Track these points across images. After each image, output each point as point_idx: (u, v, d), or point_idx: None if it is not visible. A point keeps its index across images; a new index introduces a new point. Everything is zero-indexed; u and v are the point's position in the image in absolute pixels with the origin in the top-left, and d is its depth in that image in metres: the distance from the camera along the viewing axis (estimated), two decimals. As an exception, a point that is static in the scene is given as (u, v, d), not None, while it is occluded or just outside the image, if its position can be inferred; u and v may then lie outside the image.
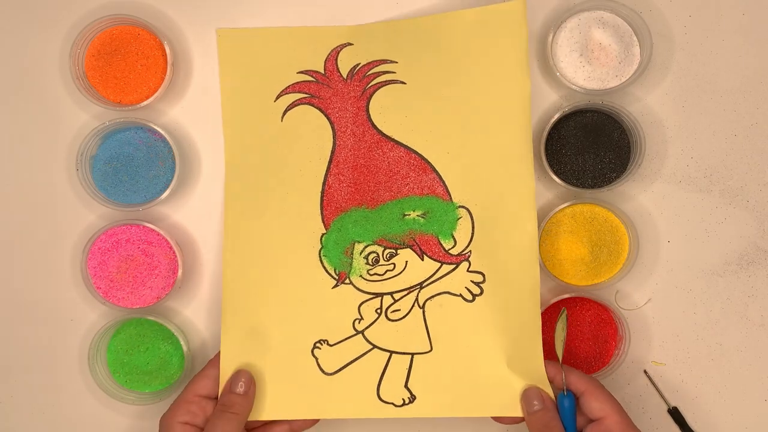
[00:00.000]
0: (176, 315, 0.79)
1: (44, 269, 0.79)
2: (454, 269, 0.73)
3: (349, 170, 0.74)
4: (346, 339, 0.73)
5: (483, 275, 0.73)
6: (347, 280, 0.74)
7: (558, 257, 0.76)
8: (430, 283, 0.74)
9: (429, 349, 0.73)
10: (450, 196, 0.74)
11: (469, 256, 0.73)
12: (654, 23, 0.77)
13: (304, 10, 0.78)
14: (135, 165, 0.77)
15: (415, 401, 0.72)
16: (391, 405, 0.73)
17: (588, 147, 0.76)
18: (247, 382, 0.71)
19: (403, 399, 0.73)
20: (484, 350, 0.72)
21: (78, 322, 0.79)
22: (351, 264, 0.74)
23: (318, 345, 0.73)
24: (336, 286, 0.74)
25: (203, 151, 0.78)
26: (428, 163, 0.74)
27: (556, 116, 0.75)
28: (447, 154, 0.74)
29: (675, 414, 0.78)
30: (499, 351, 0.72)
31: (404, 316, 0.73)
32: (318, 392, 0.73)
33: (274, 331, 0.73)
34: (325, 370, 0.73)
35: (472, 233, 0.73)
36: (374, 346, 0.73)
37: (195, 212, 0.79)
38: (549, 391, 0.71)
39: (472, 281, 0.73)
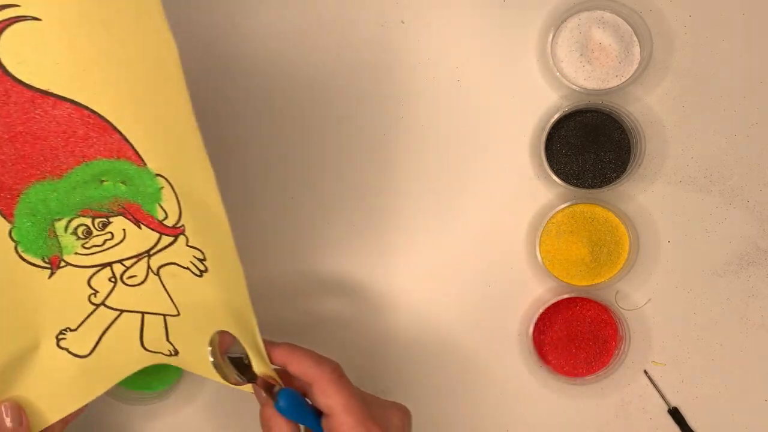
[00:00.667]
0: (176, 315, 0.79)
1: (44, 269, 0.79)
2: (174, 242, 0.63)
3: (8, 143, 0.58)
4: (88, 317, 0.65)
5: (202, 252, 0.63)
6: (62, 263, 0.63)
7: (558, 257, 0.76)
8: (157, 252, 0.64)
9: (177, 313, 0.66)
10: (143, 161, 0.60)
11: (184, 230, 0.63)
12: (654, 23, 0.77)
13: (304, 8, 0.78)
14: (135, 165, 0.77)
15: (179, 354, 0.67)
16: (160, 354, 0.67)
17: (588, 147, 0.76)
18: (13, 412, 0.63)
19: (168, 350, 0.67)
20: (219, 326, 0.65)
21: (78, 322, 0.79)
22: (59, 245, 0.63)
23: (61, 336, 0.65)
24: (52, 274, 0.63)
25: (203, 151, 0.78)
26: (107, 122, 0.59)
27: (556, 116, 0.75)
28: (122, 111, 0.59)
29: (675, 414, 0.78)
30: (232, 328, 0.64)
31: (142, 282, 0.65)
32: (83, 375, 0.66)
33: (8, 348, 0.63)
34: (81, 354, 0.65)
35: (179, 206, 0.62)
36: (122, 311, 0.65)
37: (195, 212, 0.79)
38: (274, 376, 0.64)
39: (195, 257, 0.64)
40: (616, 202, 0.78)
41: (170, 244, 0.64)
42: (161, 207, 0.62)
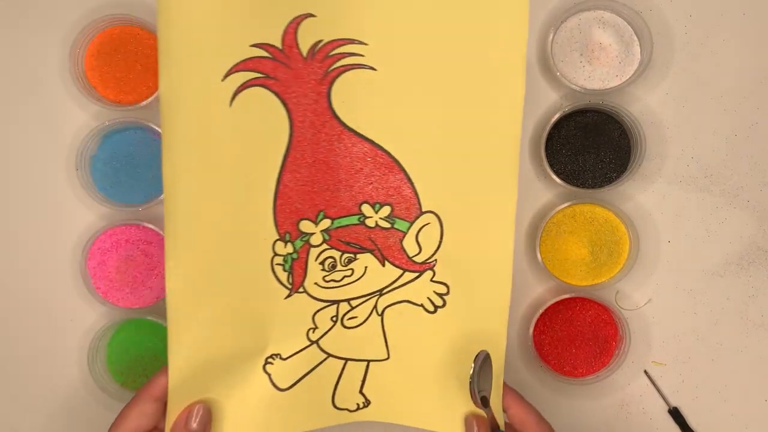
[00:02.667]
0: (176, 315, 0.79)
1: (44, 269, 0.79)
2: (416, 278, 0.68)
3: (307, 167, 0.65)
4: (300, 351, 0.68)
5: (447, 287, 0.68)
6: (301, 289, 0.67)
7: (558, 257, 0.76)
8: (391, 291, 0.68)
9: (386, 356, 0.69)
10: (418, 198, 0.67)
11: (434, 265, 0.67)
12: (654, 23, 0.77)
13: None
14: (135, 165, 0.77)
15: (370, 406, 0.69)
16: (346, 411, 0.69)
17: (588, 147, 0.76)
18: (203, 416, 0.65)
19: (357, 404, 0.69)
20: (438, 365, 0.68)
21: (78, 322, 0.79)
22: (306, 270, 0.67)
23: (270, 360, 0.67)
24: (289, 296, 0.67)
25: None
26: (396, 161, 0.66)
27: (556, 116, 0.75)
28: (419, 153, 0.66)
29: (675, 414, 0.78)
30: (453, 368, 0.68)
31: (361, 323, 0.68)
32: (272, 410, 0.68)
33: (224, 348, 0.66)
34: (279, 386, 0.68)
35: (440, 241, 0.67)
36: (329, 355, 0.69)
37: (195, 212, 0.79)
38: (501, 419, 0.66)
39: (435, 292, 0.68)
40: (616, 202, 0.78)
41: (411, 280, 0.68)
42: (418, 243, 0.67)
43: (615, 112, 0.76)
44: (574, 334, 0.77)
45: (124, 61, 0.77)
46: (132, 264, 0.77)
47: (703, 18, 0.77)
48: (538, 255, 0.76)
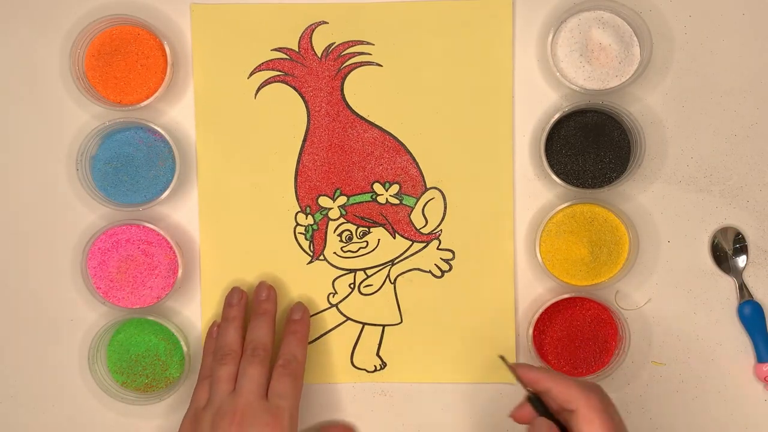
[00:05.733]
0: (176, 315, 0.79)
1: (44, 269, 0.79)
2: (424, 247, 0.78)
3: (324, 150, 0.77)
4: (321, 311, 0.78)
5: (453, 252, 0.78)
6: (321, 257, 0.78)
7: (558, 257, 0.76)
8: (401, 260, 0.78)
9: (399, 321, 0.78)
10: (423, 176, 0.77)
11: (439, 235, 0.77)
12: (654, 23, 0.77)
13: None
14: (135, 165, 0.77)
15: (386, 368, 0.78)
16: (364, 371, 0.78)
17: (588, 147, 0.76)
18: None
19: (374, 366, 0.78)
20: (450, 323, 0.78)
21: (78, 322, 0.79)
22: (326, 241, 0.77)
23: None
24: (311, 262, 0.78)
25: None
26: (402, 144, 0.77)
27: (556, 116, 0.75)
28: (421, 135, 0.77)
29: (535, 401, 0.67)
30: (465, 323, 0.77)
31: (376, 291, 0.78)
32: None
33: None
34: None
35: (444, 213, 0.77)
36: (348, 318, 0.78)
37: (195, 212, 0.79)
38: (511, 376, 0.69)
39: (441, 258, 0.78)
40: (616, 202, 0.78)
41: (420, 249, 0.78)
42: (424, 216, 0.77)
43: (615, 112, 0.76)
44: (574, 333, 0.77)
45: (124, 61, 0.77)
46: (132, 264, 0.77)
47: (703, 18, 0.77)
48: (538, 255, 0.76)
